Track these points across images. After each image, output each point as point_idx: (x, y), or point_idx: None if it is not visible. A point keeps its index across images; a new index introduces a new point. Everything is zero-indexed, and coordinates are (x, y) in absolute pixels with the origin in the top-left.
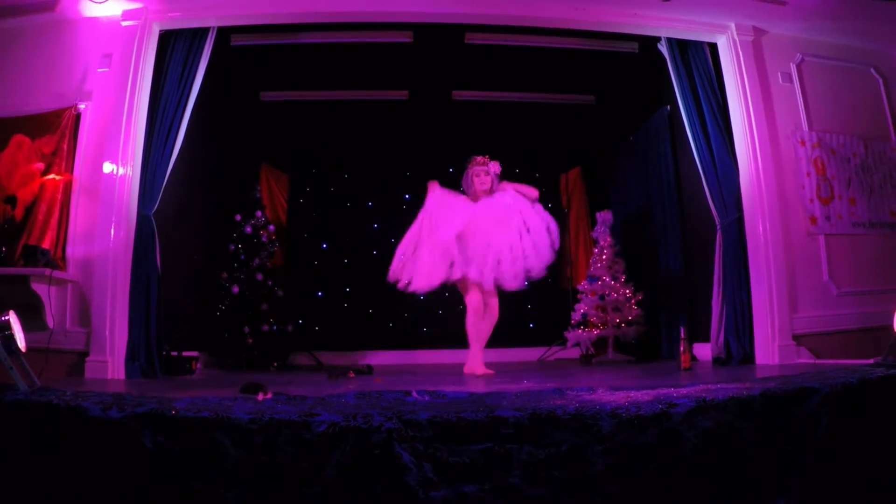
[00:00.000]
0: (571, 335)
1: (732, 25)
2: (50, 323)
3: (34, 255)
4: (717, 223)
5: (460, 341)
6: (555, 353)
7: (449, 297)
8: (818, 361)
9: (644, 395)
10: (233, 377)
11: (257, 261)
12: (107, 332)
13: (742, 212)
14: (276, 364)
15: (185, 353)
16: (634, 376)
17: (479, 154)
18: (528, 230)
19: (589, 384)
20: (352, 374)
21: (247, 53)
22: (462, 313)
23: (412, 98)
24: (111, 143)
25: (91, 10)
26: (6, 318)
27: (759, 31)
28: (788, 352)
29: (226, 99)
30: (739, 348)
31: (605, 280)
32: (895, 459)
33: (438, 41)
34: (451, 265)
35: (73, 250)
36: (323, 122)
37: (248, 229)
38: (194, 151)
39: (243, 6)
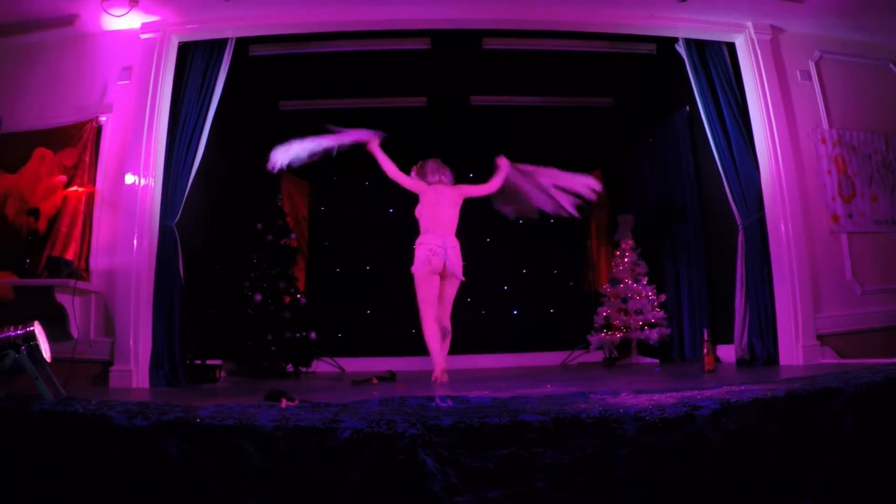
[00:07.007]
0: (594, 339)
1: (750, 24)
2: (74, 333)
3: (58, 267)
4: (738, 223)
5: (483, 346)
6: (578, 356)
7: (470, 303)
8: (843, 361)
9: (668, 398)
10: (256, 385)
11: (279, 269)
12: (131, 342)
13: (763, 211)
14: (299, 371)
15: (208, 362)
16: (658, 379)
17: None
18: None
19: (612, 387)
20: (375, 381)
21: (265, 63)
22: (482, 319)
23: (430, 104)
24: (132, 155)
25: (110, 24)
26: (31, 329)
27: (776, 30)
28: (813, 352)
29: (245, 109)
30: (763, 349)
31: (627, 283)
32: None
33: (456, 47)
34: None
35: (97, 261)
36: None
37: (270, 237)
38: (215, 161)
39: (260, 17)
